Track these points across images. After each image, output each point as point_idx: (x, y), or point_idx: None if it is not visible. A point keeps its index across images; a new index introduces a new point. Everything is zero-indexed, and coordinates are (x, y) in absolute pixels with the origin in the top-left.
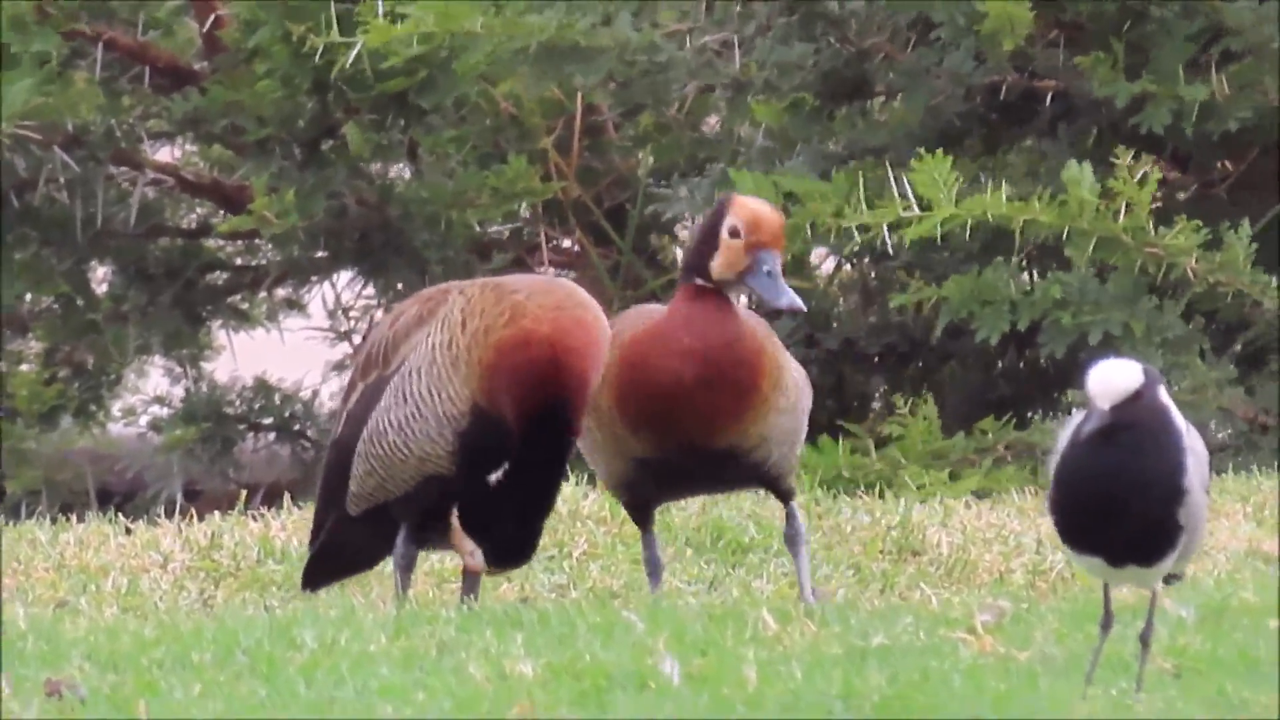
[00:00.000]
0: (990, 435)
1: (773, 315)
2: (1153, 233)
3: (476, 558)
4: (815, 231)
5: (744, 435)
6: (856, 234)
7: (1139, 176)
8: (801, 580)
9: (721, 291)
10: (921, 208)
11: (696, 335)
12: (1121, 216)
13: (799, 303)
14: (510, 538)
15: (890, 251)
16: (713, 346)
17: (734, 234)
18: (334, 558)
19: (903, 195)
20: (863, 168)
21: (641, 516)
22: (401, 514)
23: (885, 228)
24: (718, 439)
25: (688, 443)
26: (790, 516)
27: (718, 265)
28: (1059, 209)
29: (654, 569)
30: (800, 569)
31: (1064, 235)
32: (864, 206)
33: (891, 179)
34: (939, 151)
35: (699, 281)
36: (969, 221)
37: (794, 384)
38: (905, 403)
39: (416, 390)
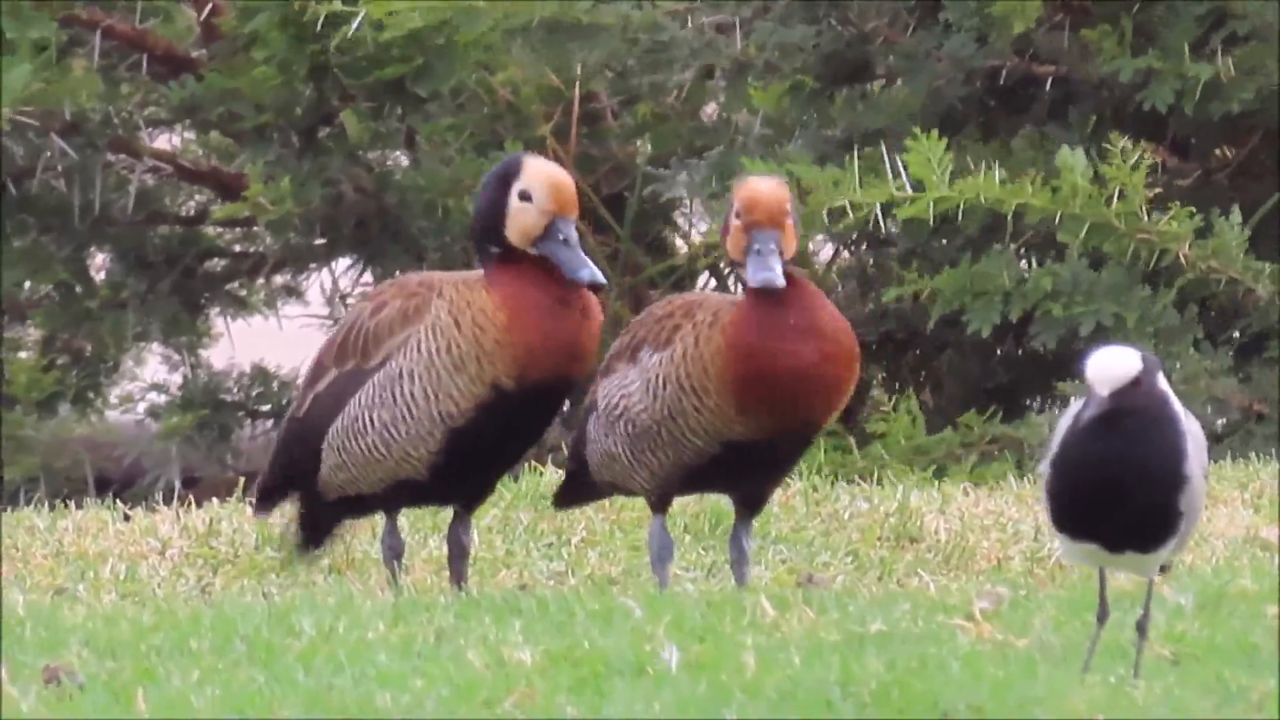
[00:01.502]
0: (975, 430)
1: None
2: (1146, 219)
3: None
4: (827, 219)
5: (831, 417)
6: (850, 211)
7: (1132, 161)
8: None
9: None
10: (915, 189)
11: (802, 314)
12: (1115, 202)
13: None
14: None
15: (884, 234)
16: (821, 322)
17: (739, 215)
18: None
19: (897, 175)
20: (863, 151)
21: (666, 502)
22: (382, 508)
23: (879, 207)
24: (825, 415)
25: (802, 420)
26: (749, 533)
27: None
28: (1052, 194)
29: (667, 551)
30: (742, 573)
31: (1056, 220)
32: (857, 184)
33: (886, 159)
34: (934, 132)
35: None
36: (962, 204)
37: None
38: (890, 399)
39: (408, 392)
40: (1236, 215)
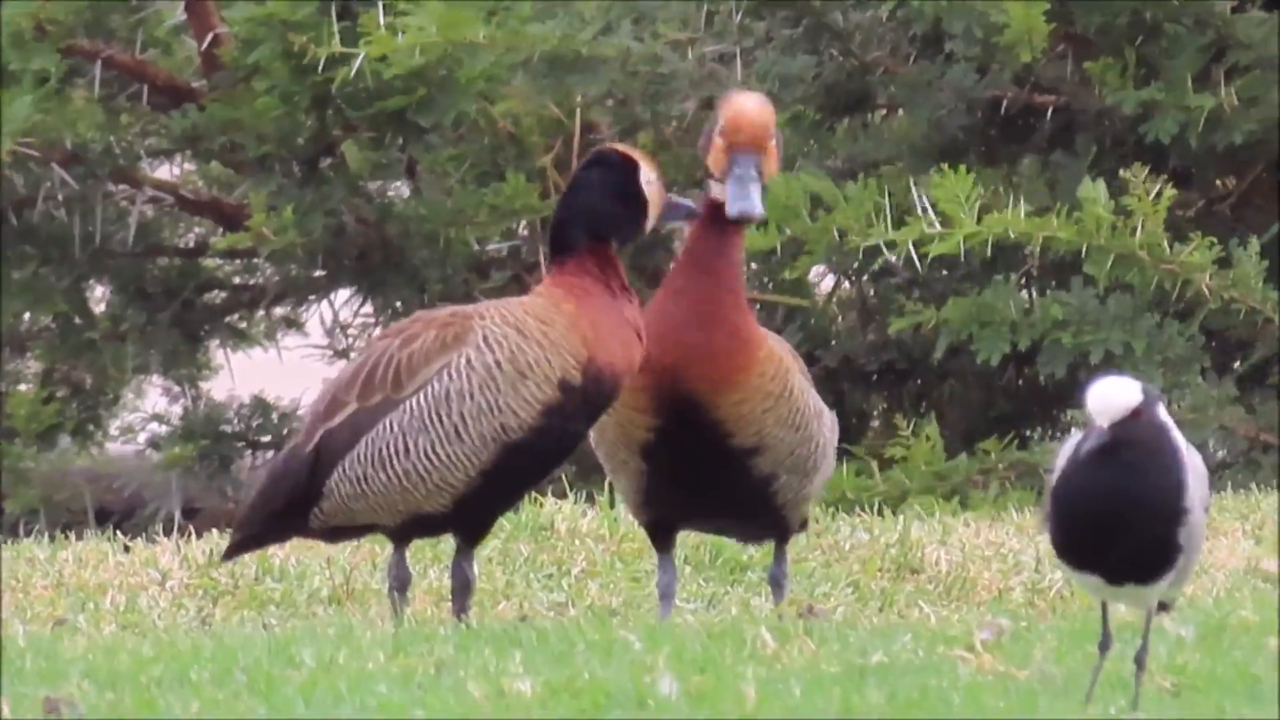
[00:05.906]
0: (993, 455)
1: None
2: (1168, 249)
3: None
4: (845, 243)
5: (733, 410)
6: (884, 250)
7: (1154, 193)
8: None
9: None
10: (941, 223)
11: (682, 272)
12: (1138, 233)
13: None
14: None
15: (892, 268)
16: (696, 284)
17: (723, 134)
18: (265, 539)
19: (924, 211)
20: (870, 181)
21: (659, 539)
22: (393, 538)
23: (911, 245)
24: (704, 394)
25: (680, 399)
26: (779, 557)
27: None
28: (1077, 226)
29: (664, 593)
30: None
31: (1082, 252)
32: (888, 223)
33: (915, 194)
34: (961, 168)
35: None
36: (989, 238)
37: (806, 406)
38: (907, 423)
39: (458, 412)
40: (1255, 245)
